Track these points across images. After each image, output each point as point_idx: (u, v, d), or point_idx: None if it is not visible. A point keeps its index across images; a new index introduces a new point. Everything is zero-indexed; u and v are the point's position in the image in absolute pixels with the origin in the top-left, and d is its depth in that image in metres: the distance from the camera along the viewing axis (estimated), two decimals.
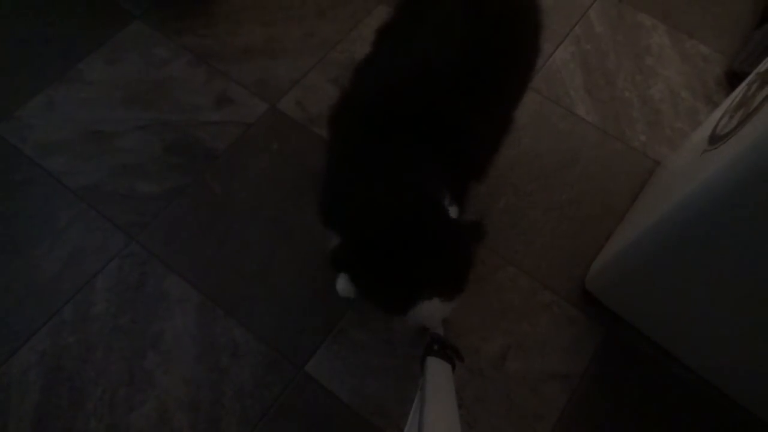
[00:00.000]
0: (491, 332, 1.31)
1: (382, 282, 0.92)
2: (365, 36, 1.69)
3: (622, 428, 1.25)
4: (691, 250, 1.02)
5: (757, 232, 0.90)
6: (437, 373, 0.94)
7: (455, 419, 0.81)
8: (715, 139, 1.07)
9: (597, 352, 1.30)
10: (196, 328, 1.28)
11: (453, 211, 0.96)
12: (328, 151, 1.07)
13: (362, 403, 1.22)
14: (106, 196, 1.41)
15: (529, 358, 1.29)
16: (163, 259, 1.35)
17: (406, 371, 1.25)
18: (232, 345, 1.26)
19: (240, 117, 1.55)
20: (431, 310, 0.91)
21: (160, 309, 1.29)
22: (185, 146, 1.49)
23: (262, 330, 1.28)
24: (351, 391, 1.23)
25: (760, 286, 0.97)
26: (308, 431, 1.20)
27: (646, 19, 1.79)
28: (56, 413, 1.18)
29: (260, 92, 1.59)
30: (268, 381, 1.23)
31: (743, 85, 1.17)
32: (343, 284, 1.26)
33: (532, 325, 1.33)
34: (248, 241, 1.38)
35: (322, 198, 1.03)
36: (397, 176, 0.93)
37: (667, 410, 1.26)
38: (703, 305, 1.12)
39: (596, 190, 1.50)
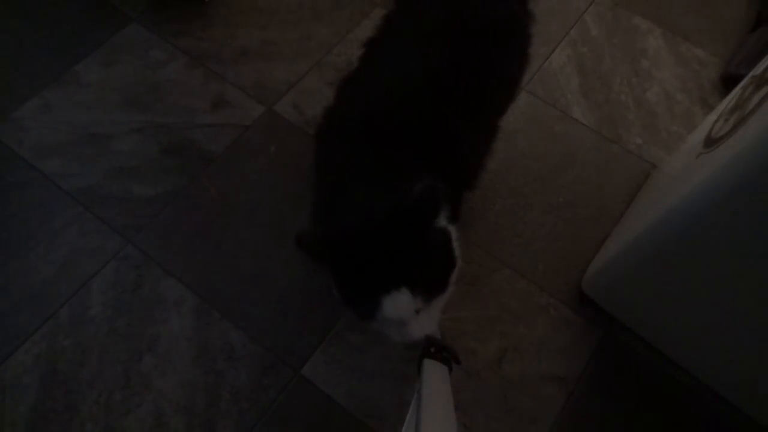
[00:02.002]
0: (488, 335, 1.31)
1: (347, 266, 0.86)
2: (362, 39, 1.69)
3: (619, 431, 1.25)
4: (687, 253, 1.03)
5: (752, 234, 0.90)
6: (434, 375, 0.94)
7: (452, 422, 0.81)
8: (710, 142, 1.07)
9: (593, 354, 1.31)
10: (193, 330, 1.28)
11: (449, 229, 0.93)
12: (315, 166, 1.05)
13: (359, 406, 1.22)
14: (102, 199, 1.41)
15: (526, 361, 1.29)
16: (160, 262, 1.34)
17: (403, 374, 1.25)
18: (228, 348, 1.26)
19: (237, 119, 1.55)
20: (402, 306, 0.83)
21: (157, 312, 1.29)
22: (181, 149, 1.49)
23: (258, 333, 1.28)
24: (348, 394, 1.23)
25: (756, 288, 0.97)
26: None
27: (641, 23, 1.80)
28: (51, 416, 1.18)
29: (257, 95, 1.59)
30: (265, 384, 1.23)
31: (738, 89, 1.17)
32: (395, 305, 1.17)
33: (529, 328, 1.33)
34: (245, 244, 1.38)
35: (313, 215, 1.01)
36: (384, 183, 0.91)
37: (664, 413, 1.26)
38: (699, 307, 1.12)
39: (592, 192, 1.51)
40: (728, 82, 1.64)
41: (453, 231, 0.93)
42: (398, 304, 0.83)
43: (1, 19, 1.66)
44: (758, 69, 1.13)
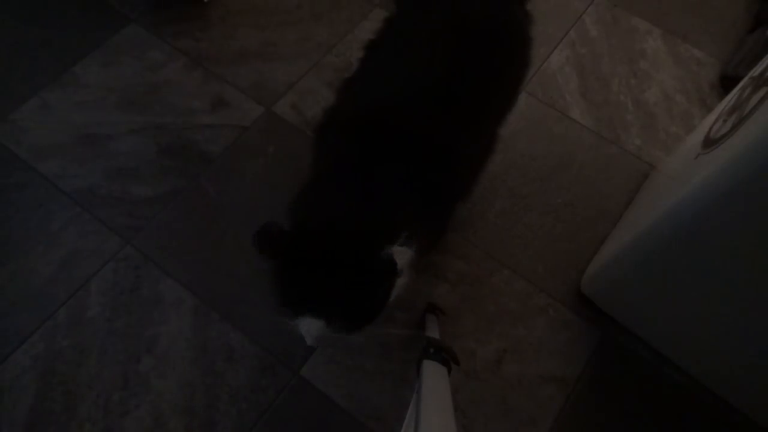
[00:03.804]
0: (487, 335, 1.31)
1: (286, 275, 0.91)
2: (361, 39, 1.69)
3: (618, 431, 1.25)
4: (686, 254, 1.03)
5: (751, 235, 0.90)
6: (433, 376, 0.94)
7: (451, 422, 0.81)
8: (709, 143, 1.07)
9: (592, 355, 1.31)
10: (191, 331, 1.27)
11: (404, 253, 0.92)
12: (311, 164, 1.05)
13: (358, 407, 1.22)
14: (100, 200, 1.41)
15: (525, 362, 1.29)
16: (158, 263, 1.34)
17: (402, 374, 1.25)
18: (227, 349, 1.26)
19: (235, 120, 1.55)
20: (311, 327, 0.90)
21: (155, 313, 1.29)
22: (180, 149, 1.49)
23: (257, 333, 1.28)
24: (347, 395, 1.23)
25: (755, 288, 0.97)
26: None
27: (640, 24, 1.80)
28: (50, 418, 1.17)
29: (256, 95, 1.59)
30: (264, 385, 1.23)
31: (737, 89, 1.17)
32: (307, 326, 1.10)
33: (528, 329, 1.33)
34: (243, 245, 1.37)
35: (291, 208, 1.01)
36: (358, 202, 0.91)
37: (663, 414, 1.26)
38: (698, 308, 1.12)
39: (591, 193, 1.51)
40: (727, 83, 1.64)
41: (408, 258, 0.93)
42: (312, 327, 0.90)
43: (1, 19, 1.66)
44: (757, 70, 1.13)
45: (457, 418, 1.02)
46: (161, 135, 1.51)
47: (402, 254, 0.91)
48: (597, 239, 1.43)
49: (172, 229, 1.39)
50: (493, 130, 1.14)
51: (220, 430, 1.18)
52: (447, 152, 0.96)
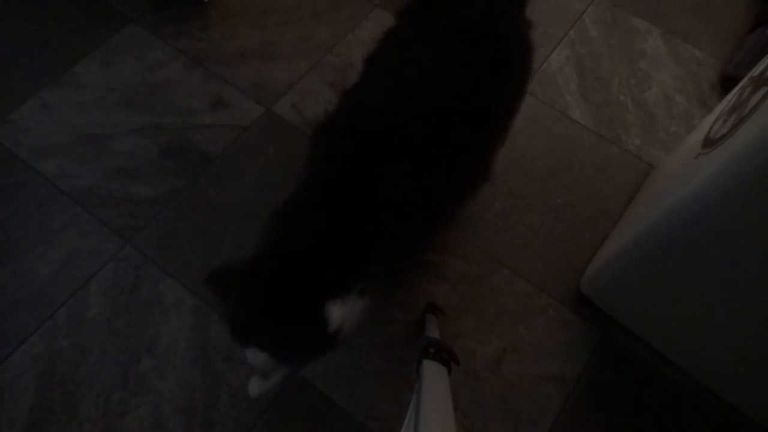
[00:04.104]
0: (487, 335, 1.31)
1: (236, 308, 0.94)
2: (361, 39, 1.70)
3: (617, 431, 1.25)
4: (686, 254, 1.03)
5: (750, 234, 0.90)
6: (433, 375, 0.94)
7: (451, 422, 0.81)
8: (708, 143, 1.07)
9: (592, 355, 1.31)
10: (191, 331, 1.27)
11: (358, 302, 0.93)
12: (303, 170, 1.05)
13: (358, 407, 1.22)
14: (100, 200, 1.41)
15: (525, 362, 1.29)
16: (158, 263, 1.34)
17: (402, 374, 1.25)
18: (227, 348, 1.26)
19: (235, 120, 1.55)
20: (256, 358, 0.92)
21: (155, 313, 1.29)
22: (180, 149, 1.49)
23: None
24: (347, 395, 1.23)
25: (754, 288, 0.97)
26: None
27: (640, 24, 1.80)
28: (50, 417, 1.18)
29: (256, 95, 1.59)
30: None
31: (736, 90, 1.17)
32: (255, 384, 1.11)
33: (528, 329, 1.33)
34: (243, 245, 1.37)
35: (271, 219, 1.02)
36: (326, 239, 0.93)
37: (663, 414, 1.26)
38: (697, 308, 1.12)
39: (591, 193, 1.51)
40: (726, 83, 1.64)
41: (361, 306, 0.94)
42: (257, 357, 0.91)
43: (1, 19, 1.66)
44: (757, 70, 1.13)
45: (457, 418, 1.02)
46: (161, 135, 1.51)
47: (353, 305, 0.92)
48: (597, 239, 1.43)
49: (172, 229, 1.39)
50: (489, 154, 1.11)
51: (220, 430, 1.18)
52: (444, 163, 0.95)
